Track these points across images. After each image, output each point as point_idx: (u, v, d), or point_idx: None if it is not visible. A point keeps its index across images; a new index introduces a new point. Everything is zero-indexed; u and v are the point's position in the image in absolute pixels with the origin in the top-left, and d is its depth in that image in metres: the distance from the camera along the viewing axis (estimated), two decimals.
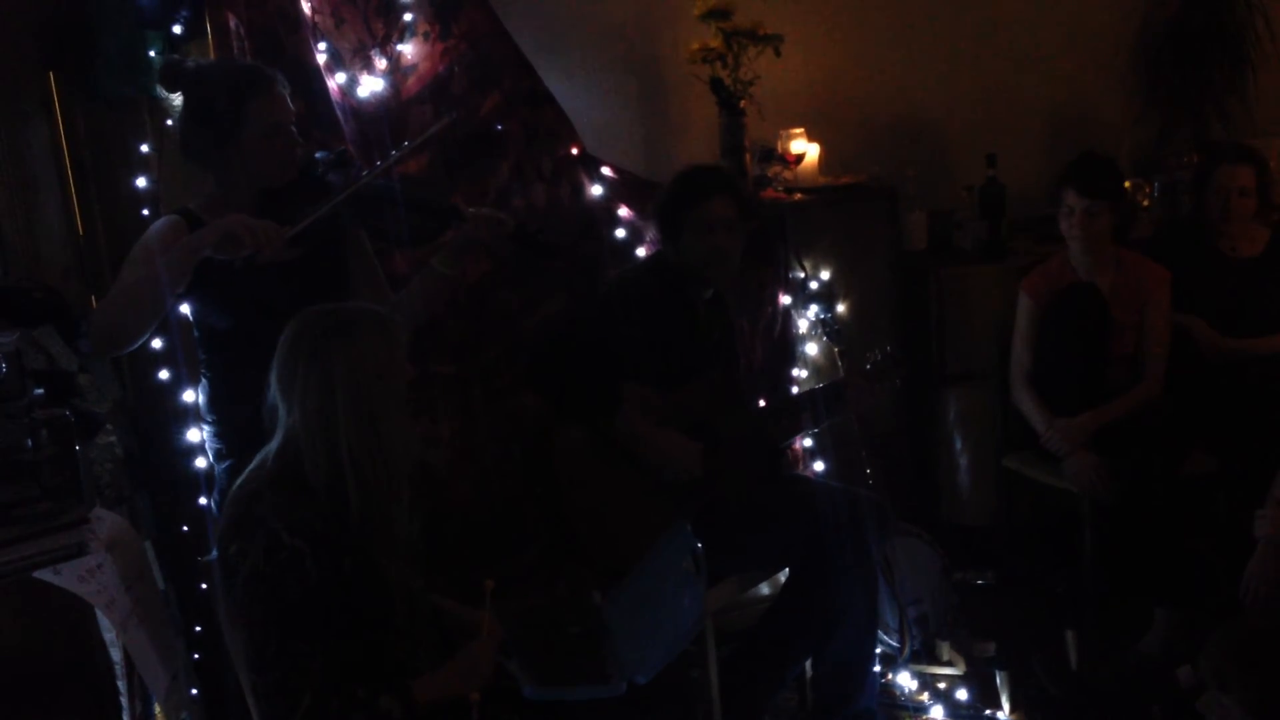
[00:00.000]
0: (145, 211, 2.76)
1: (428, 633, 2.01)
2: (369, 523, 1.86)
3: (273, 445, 1.90)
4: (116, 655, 2.37)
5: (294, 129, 2.37)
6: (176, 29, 2.81)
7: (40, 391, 2.25)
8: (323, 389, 1.84)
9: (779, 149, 3.66)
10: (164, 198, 2.77)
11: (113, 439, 2.61)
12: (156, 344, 2.65)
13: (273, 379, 1.89)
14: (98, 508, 2.31)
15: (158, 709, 2.46)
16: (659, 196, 2.83)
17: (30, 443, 2.16)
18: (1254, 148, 3.44)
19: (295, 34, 2.81)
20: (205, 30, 2.78)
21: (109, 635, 2.35)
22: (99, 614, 2.27)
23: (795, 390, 3.36)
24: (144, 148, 2.84)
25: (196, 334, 2.41)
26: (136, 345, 2.19)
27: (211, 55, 2.74)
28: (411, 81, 3.00)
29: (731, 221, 2.73)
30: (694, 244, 2.72)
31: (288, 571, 1.78)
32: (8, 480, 2.14)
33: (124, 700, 2.39)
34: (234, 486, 1.93)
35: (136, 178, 2.82)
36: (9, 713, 2.20)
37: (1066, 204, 3.19)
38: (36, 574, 2.12)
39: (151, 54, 2.80)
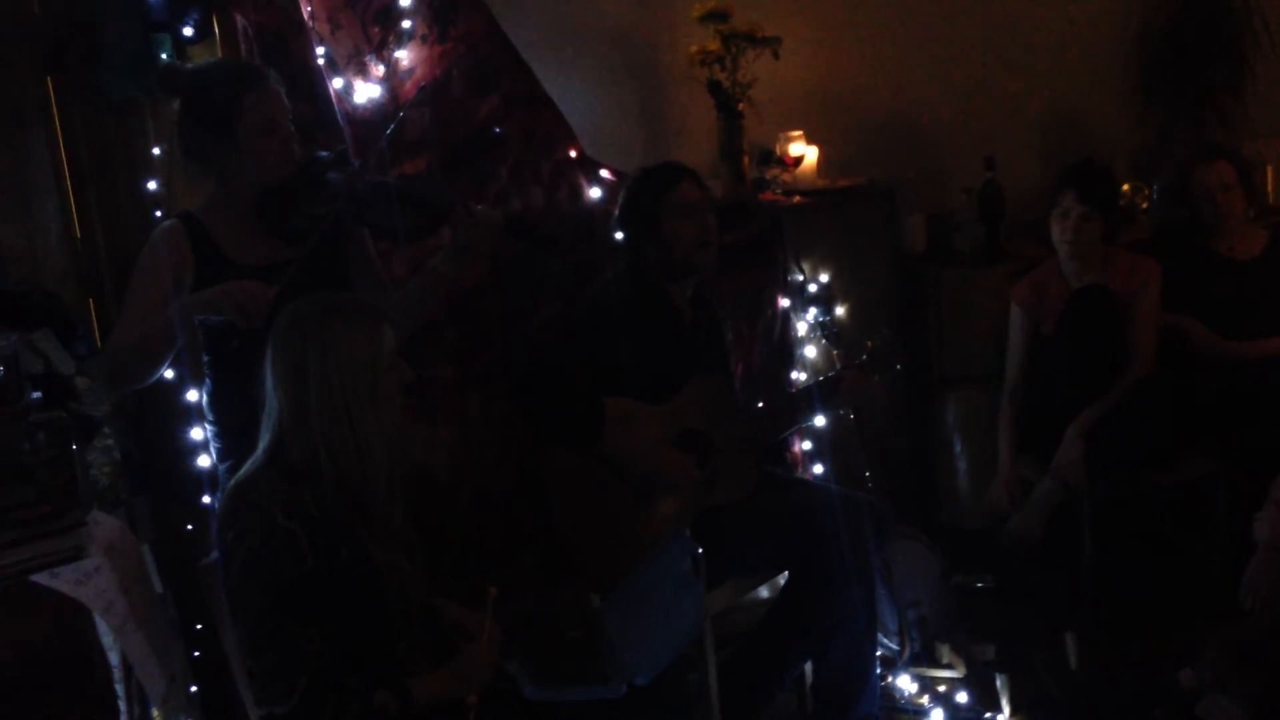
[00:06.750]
0: (158, 213, 2.75)
1: (425, 634, 2.00)
2: (345, 508, 1.86)
3: (264, 434, 1.91)
4: (114, 659, 2.37)
5: (290, 125, 2.37)
6: (187, 30, 2.80)
7: (38, 395, 2.25)
8: (297, 371, 1.85)
9: (778, 151, 3.66)
10: (176, 199, 2.77)
11: (110, 442, 2.60)
12: None
13: (265, 365, 1.90)
14: (95, 511, 2.31)
15: (155, 712, 2.45)
16: (621, 202, 2.79)
17: (27, 446, 2.16)
18: (1224, 144, 3.44)
19: (300, 36, 2.82)
20: (214, 32, 2.79)
21: (107, 639, 2.35)
22: (96, 617, 2.27)
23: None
24: (155, 150, 2.83)
25: (200, 333, 2.41)
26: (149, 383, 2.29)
27: (220, 56, 2.75)
28: (409, 86, 2.99)
29: (705, 203, 2.74)
30: (676, 231, 2.68)
31: (284, 553, 1.78)
32: (5, 483, 2.14)
33: (122, 704, 2.39)
34: (233, 477, 1.93)
35: (142, 180, 2.81)
36: (7, 716, 2.20)
37: (1063, 205, 3.19)
38: (34, 578, 2.12)
39: (163, 56, 2.79)
